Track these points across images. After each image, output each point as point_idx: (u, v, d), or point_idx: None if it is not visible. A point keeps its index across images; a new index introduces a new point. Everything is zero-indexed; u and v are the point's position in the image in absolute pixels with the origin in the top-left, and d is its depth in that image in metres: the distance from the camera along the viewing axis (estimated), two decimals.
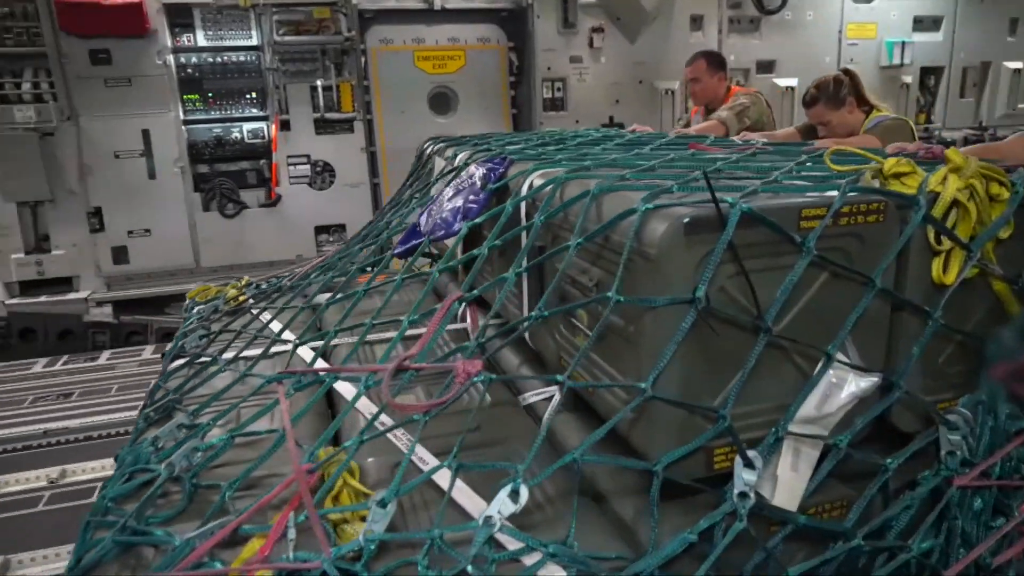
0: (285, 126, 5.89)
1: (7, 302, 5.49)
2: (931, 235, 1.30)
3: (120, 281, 5.78)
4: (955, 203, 1.30)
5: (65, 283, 5.69)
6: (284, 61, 5.78)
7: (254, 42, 5.78)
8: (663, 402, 1.15)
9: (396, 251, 2.06)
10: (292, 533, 1.14)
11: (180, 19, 5.60)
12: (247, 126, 5.87)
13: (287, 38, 5.69)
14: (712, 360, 1.19)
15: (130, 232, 5.69)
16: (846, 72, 3.40)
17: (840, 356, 1.23)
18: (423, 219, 2.07)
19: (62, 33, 5.23)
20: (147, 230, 5.72)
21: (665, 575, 1.10)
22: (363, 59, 5.95)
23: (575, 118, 6.20)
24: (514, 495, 1.13)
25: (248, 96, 5.83)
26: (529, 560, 1.09)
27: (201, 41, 5.67)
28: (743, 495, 1.13)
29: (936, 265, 1.31)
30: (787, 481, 1.21)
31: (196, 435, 1.50)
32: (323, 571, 1.06)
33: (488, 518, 1.11)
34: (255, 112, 5.87)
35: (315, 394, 1.57)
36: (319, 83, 5.85)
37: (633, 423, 1.22)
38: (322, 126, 5.96)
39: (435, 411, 1.28)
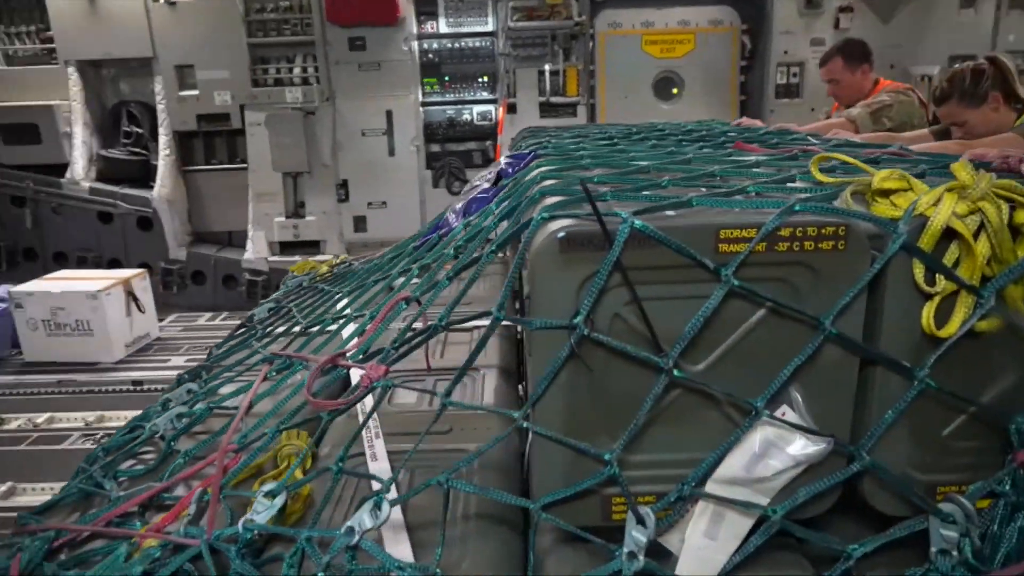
0: (512, 109, 6.12)
1: (269, 258, 6.32)
2: (919, 272, 0.98)
3: (358, 248, 6.41)
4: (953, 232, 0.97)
5: (314, 246, 6.42)
6: (516, 46, 5.99)
7: (489, 28, 6.04)
8: (544, 438, 1.02)
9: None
10: (192, 508, 1.15)
11: (426, 7, 6.00)
12: (477, 108, 6.18)
13: (520, 24, 5.87)
14: (608, 398, 1.02)
15: (369, 203, 6.27)
16: (991, 61, 2.72)
17: (786, 412, 1.00)
18: (456, 212, 1.95)
19: (328, 23, 5.83)
20: (384, 202, 6.27)
21: None
22: (591, 44, 6.00)
23: (810, 106, 5.80)
24: (376, 510, 1.05)
25: (480, 80, 6.13)
26: None
27: (443, 28, 6.04)
28: (631, 555, 0.98)
29: (927, 311, 0.99)
30: (698, 549, 1.02)
31: (198, 399, 1.60)
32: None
33: (349, 528, 1.04)
34: (485, 95, 6.17)
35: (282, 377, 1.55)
36: (547, 67, 6.00)
37: (529, 455, 1.09)
38: (547, 110, 6.12)
39: (339, 410, 1.21)
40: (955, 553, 0.98)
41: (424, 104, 6.17)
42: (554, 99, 6.07)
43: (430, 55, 6.08)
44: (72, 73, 6.01)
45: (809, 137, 2.14)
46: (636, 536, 0.98)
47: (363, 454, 1.32)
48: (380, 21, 5.81)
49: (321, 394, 1.26)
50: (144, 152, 6.28)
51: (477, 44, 6.08)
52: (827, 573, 1.00)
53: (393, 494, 1.08)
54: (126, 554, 1.13)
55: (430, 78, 6.12)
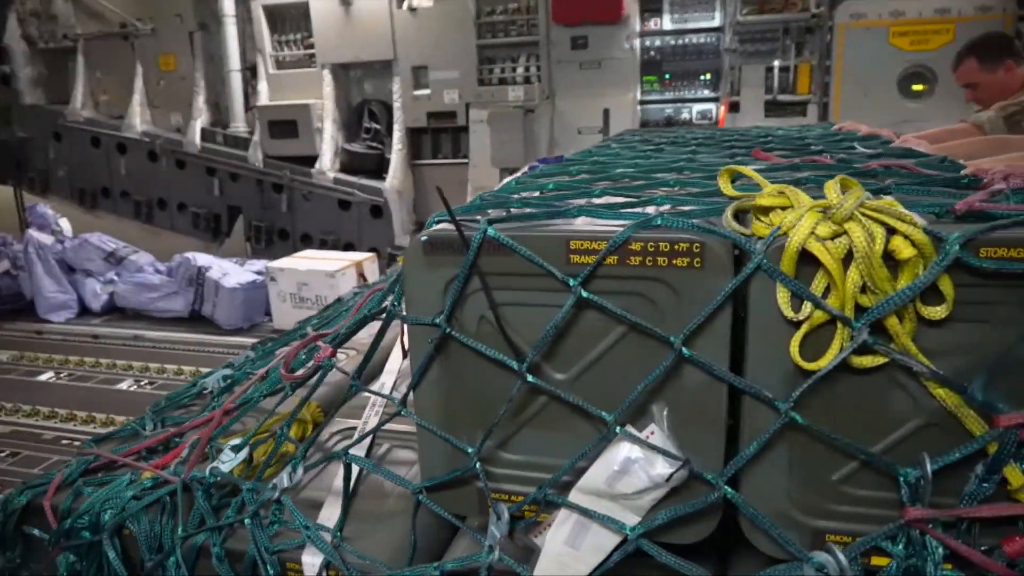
0: (734, 108, 5.86)
1: None
2: (783, 297, 0.87)
3: None
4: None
5: None
6: (743, 41, 5.72)
7: (716, 23, 5.83)
8: (422, 427, 1.09)
9: None
10: (185, 453, 1.38)
11: (651, 4, 5.93)
12: (696, 107, 6.00)
13: (750, 17, 5.60)
14: (477, 396, 1.04)
15: None
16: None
17: (653, 431, 0.94)
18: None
19: (553, 24, 5.98)
20: None
21: None
22: (828, 37, 5.56)
23: None
24: (292, 472, 1.20)
25: (702, 78, 5.94)
26: (296, 535, 1.15)
27: (667, 25, 5.93)
28: (490, 548, 1.00)
29: (794, 341, 0.87)
30: (558, 555, 1.00)
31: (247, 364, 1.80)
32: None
33: (274, 485, 1.19)
34: (706, 93, 5.97)
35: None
36: (776, 63, 5.66)
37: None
38: (772, 108, 5.78)
39: (299, 383, 1.35)
40: None
41: (642, 102, 6.11)
42: (782, 97, 5.71)
43: (651, 52, 6.00)
44: (326, 75, 6.74)
45: (857, 144, 1.84)
46: (493, 531, 1.01)
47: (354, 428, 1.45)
48: (604, 19, 5.84)
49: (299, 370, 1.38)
50: (380, 146, 6.88)
51: (701, 40, 5.89)
52: None
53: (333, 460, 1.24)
54: (127, 482, 1.35)
55: (650, 76, 6.04)
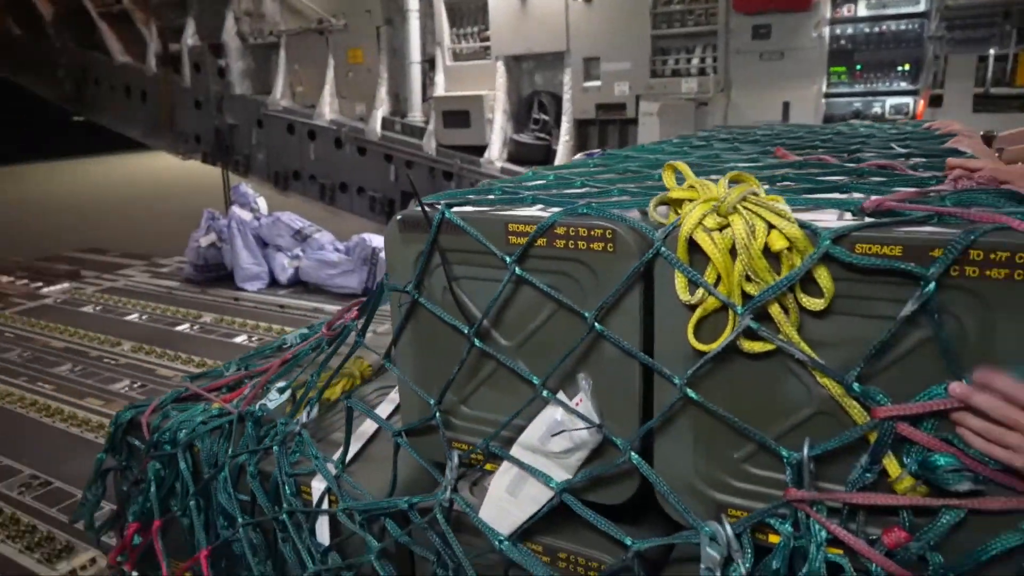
0: (935, 102, 5.30)
1: None
2: (680, 282, 0.96)
3: None
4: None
5: None
6: (952, 28, 5.15)
7: (920, 8, 5.29)
8: (400, 379, 1.31)
9: None
10: (247, 391, 1.71)
11: None
12: (890, 101, 5.49)
13: (962, 0, 5.02)
14: (442, 355, 1.22)
15: None
16: None
17: (581, 398, 1.08)
18: None
19: (733, 12, 5.72)
20: None
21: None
22: None
23: None
24: (309, 410, 1.54)
25: (899, 69, 5.42)
26: (310, 464, 1.42)
27: (861, 11, 5.47)
28: (444, 488, 1.20)
29: (690, 323, 0.96)
30: (499, 500, 1.16)
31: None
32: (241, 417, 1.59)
33: (296, 421, 1.51)
34: (902, 86, 5.44)
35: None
36: (992, 52, 5.04)
37: None
38: (982, 103, 5.16)
39: (333, 339, 1.64)
40: (718, 574, 0.94)
41: (828, 95, 5.68)
42: (996, 90, 5.08)
43: (842, 41, 5.56)
44: (500, 67, 6.91)
45: (895, 145, 1.81)
46: (448, 474, 1.21)
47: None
48: (792, 7, 5.50)
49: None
50: (547, 137, 6.96)
51: (901, 27, 5.37)
52: (610, 560, 1.07)
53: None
54: (201, 410, 1.68)
55: (838, 67, 5.61)
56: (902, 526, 0.89)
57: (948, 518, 0.86)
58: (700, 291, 0.95)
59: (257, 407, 1.59)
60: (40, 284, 8.01)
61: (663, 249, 0.96)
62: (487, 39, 6.99)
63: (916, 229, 0.87)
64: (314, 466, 1.40)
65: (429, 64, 7.64)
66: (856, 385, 0.88)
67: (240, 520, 1.51)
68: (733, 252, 0.92)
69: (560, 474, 1.10)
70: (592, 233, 1.03)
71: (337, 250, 6.72)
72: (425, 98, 7.68)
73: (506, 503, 1.15)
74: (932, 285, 0.82)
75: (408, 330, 1.27)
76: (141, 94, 10.97)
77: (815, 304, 0.90)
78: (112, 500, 1.88)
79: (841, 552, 0.91)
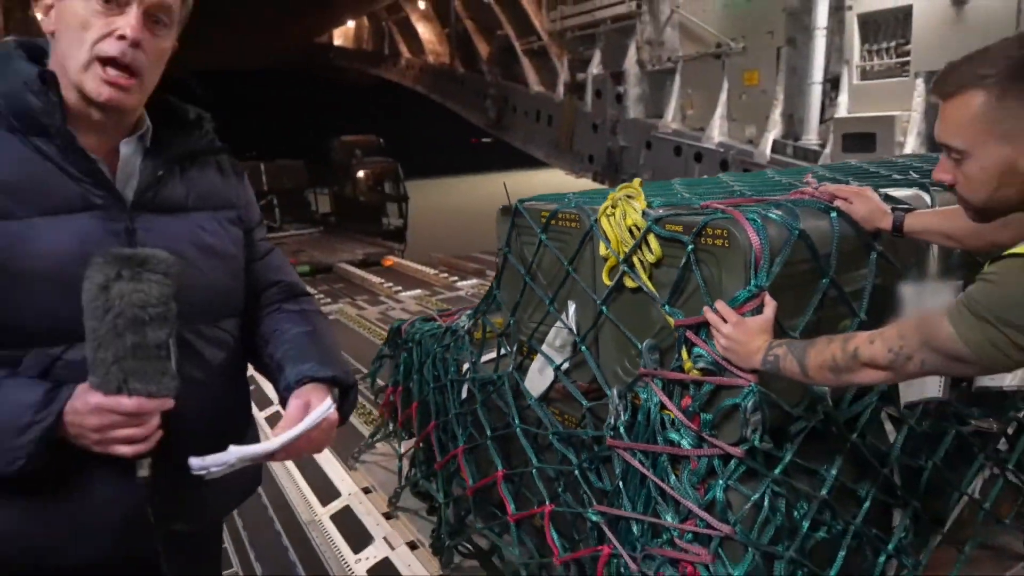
0: None
1: None
2: (602, 246, 1.79)
3: None
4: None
5: None
6: None
7: None
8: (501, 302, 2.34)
9: None
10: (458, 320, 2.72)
11: None
12: None
13: None
14: (517, 290, 2.20)
15: None
16: None
17: (568, 316, 1.99)
18: None
19: None
20: None
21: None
22: None
23: None
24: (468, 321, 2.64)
25: None
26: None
27: None
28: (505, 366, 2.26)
29: (605, 269, 1.80)
30: (534, 376, 2.09)
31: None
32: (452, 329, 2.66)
33: (455, 330, 2.63)
34: None
35: None
36: None
37: None
38: None
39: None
40: (612, 420, 1.71)
41: None
42: None
43: None
44: (919, 84, 6.15)
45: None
46: (511, 359, 2.23)
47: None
48: None
49: None
50: None
51: None
52: (577, 416, 1.97)
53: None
54: (435, 326, 2.78)
55: None
56: (690, 395, 1.58)
57: (706, 388, 1.54)
58: (604, 249, 1.79)
59: (454, 324, 2.64)
60: (456, 278, 9.57)
61: (593, 225, 1.83)
62: (905, 53, 6.28)
63: (694, 216, 1.59)
64: (467, 355, 2.46)
65: (831, 84, 7.16)
66: (666, 307, 1.63)
67: (431, 384, 2.59)
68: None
69: (558, 359, 2.03)
70: (569, 215, 1.96)
71: None
72: (823, 120, 7.22)
73: (537, 378, 2.09)
74: (690, 247, 1.55)
75: (505, 272, 2.25)
76: (548, 118, 12.39)
77: (651, 258, 1.66)
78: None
79: (671, 412, 1.60)
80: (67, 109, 1.06)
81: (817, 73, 7.04)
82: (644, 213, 1.67)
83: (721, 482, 1.50)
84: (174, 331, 1.01)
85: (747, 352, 1.42)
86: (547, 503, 1.95)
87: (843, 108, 6.81)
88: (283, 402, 1.21)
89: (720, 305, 1.47)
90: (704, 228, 1.53)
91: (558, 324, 2.00)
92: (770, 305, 1.45)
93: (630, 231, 1.69)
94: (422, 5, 18.83)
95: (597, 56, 10.70)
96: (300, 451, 1.15)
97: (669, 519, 1.56)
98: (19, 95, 1.03)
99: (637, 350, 1.69)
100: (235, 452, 1.05)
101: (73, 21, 1.03)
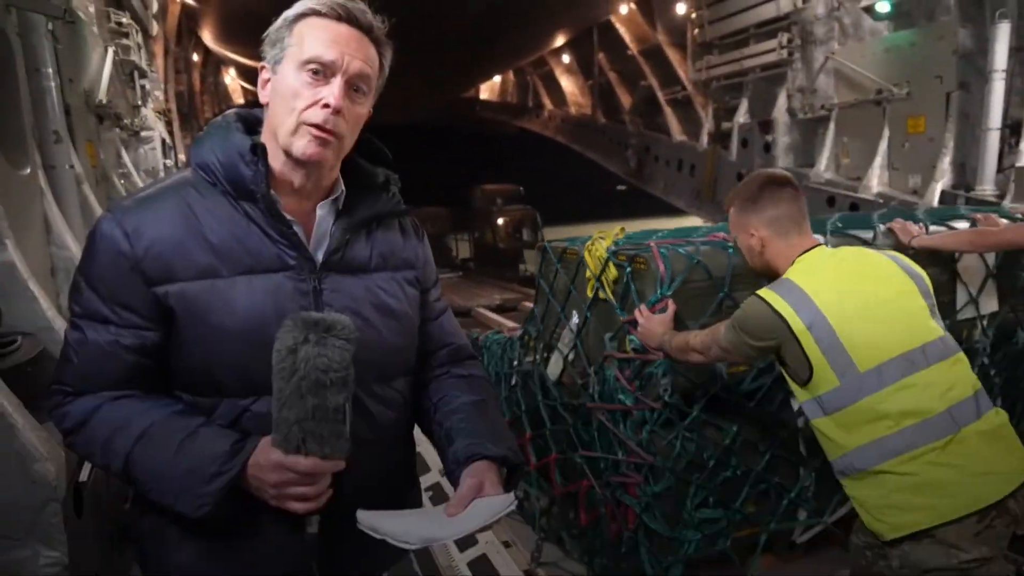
0: None
1: None
2: (587, 272, 2.55)
3: None
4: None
5: None
6: None
7: None
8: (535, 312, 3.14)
9: None
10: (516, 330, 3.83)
11: None
12: None
13: None
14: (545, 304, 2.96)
15: None
16: None
17: (571, 320, 2.72)
18: None
19: None
20: None
21: None
22: None
23: None
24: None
25: None
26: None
27: None
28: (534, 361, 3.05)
29: (588, 286, 2.54)
30: (552, 366, 2.85)
31: None
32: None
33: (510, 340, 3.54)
34: None
35: None
36: None
37: None
38: None
39: None
40: (590, 390, 2.56)
41: None
42: None
43: None
44: None
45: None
46: (537, 355, 3.04)
47: None
48: None
49: None
50: None
51: None
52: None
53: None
54: (500, 336, 3.71)
55: None
56: (629, 368, 2.36)
57: (636, 362, 2.34)
58: (589, 272, 2.52)
59: (515, 336, 3.37)
60: None
61: (583, 255, 2.54)
62: None
63: (634, 251, 2.36)
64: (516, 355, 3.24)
65: (1011, 130, 6.54)
66: (619, 309, 2.38)
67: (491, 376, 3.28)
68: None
69: (566, 352, 2.75)
70: (573, 250, 2.68)
71: None
72: (1001, 168, 6.58)
73: (553, 367, 2.84)
74: (628, 269, 2.34)
75: (539, 294, 2.96)
76: (690, 168, 12.21)
77: (612, 276, 2.41)
78: None
79: (620, 380, 2.38)
80: (273, 176, 1.15)
81: (995, 119, 6.46)
82: (608, 248, 2.42)
83: (648, 427, 2.30)
84: (351, 396, 1.04)
85: (653, 337, 2.15)
86: (553, 454, 2.79)
87: None
88: (450, 474, 1.22)
89: (642, 307, 2.24)
90: (635, 257, 2.33)
91: (567, 327, 2.73)
92: (671, 307, 2.21)
93: (599, 260, 2.44)
94: (566, 59, 19.36)
95: (744, 105, 10.47)
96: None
97: (620, 455, 2.37)
98: (234, 165, 1.13)
99: (609, 338, 2.46)
100: (416, 532, 1.07)
101: (286, 92, 1.12)
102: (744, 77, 10.48)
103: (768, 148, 9.62)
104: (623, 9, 14.33)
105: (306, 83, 1.11)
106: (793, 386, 1.76)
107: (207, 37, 16.15)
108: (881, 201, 7.62)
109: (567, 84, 19.91)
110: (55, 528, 1.68)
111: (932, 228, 2.57)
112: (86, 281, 1.11)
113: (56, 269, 2.98)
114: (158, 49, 9.77)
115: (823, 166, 8.63)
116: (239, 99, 22.82)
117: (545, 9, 14.94)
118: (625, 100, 15.81)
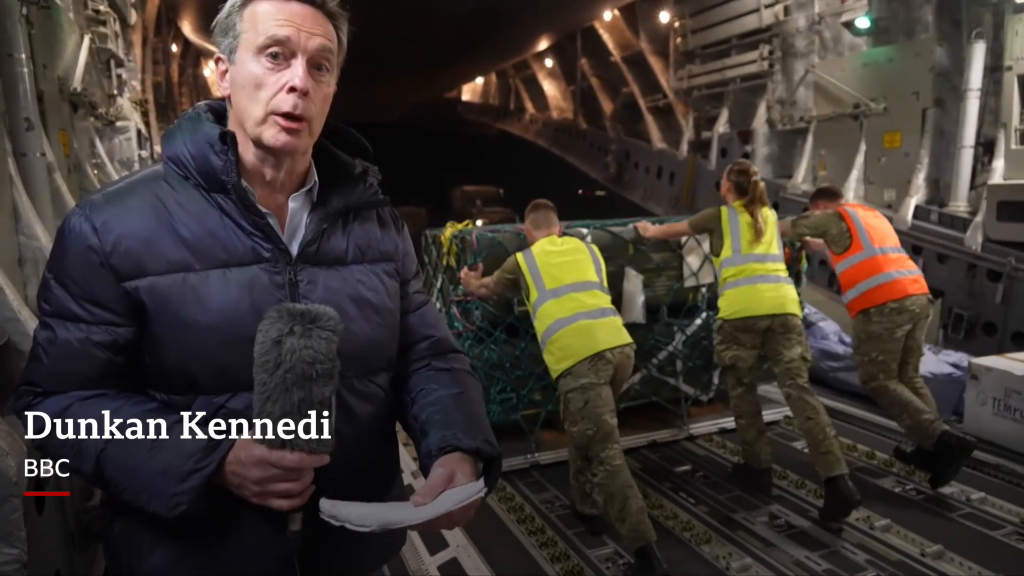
0: None
1: None
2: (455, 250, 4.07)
3: None
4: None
5: None
6: None
7: None
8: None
9: None
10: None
11: None
12: None
13: None
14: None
15: None
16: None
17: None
18: None
19: None
20: None
21: None
22: None
23: None
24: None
25: None
26: None
27: None
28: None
29: (449, 257, 4.09)
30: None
31: None
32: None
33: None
34: None
35: None
36: None
37: None
38: None
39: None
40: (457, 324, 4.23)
41: None
42: None
43: None
44: None
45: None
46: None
47: None
48: None
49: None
50: None
51: None
52: None
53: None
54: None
55: None
56: (460, 308, 4.21)
57: (464, 302, 4.14)
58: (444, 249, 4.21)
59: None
60: None
61: (449, 239, 4.14)
62: None
63: (463, 235, 4.11)
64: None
65: (984, 148, 6.68)
66: (456, 270, 4.04)
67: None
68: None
69: (435, 299, 4.51)
70: (439, 236, 4.26)
71: (843, 342, 6.28)
72: (974, 186, 6.72)
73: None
74: (459, 246, 4.08)
75: (422, 264, 4.10)
76: (670, 175, 12.28)
77: (455, 250, 4.09)
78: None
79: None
80: (243, 166, 1.13)
81: (969, 136, 6.60)
82: (453, 234, 4.06)
83: (468, 342, 3.99)
84: (335, 388, 1.01)
85: (469, 286, 3.62)
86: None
87: (998, 174, 6.32)
88: (423, 467, 1.17)
89: (465, 268, 3.77)
90: (464, 239, 3.95)
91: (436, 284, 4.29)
92: (479, 268, 3.75)
93: (447, 241, 4.06)
94: (549, 64, 19.40)
95: (724, 114, 10.57)
96: (437, 526, 1.10)
97: None
98: (205, 156, 1.11)
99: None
100: (375, 516, 1.03)
101: (247, 83, 1.09)
102: (725, 87, 10.58)
103: (747, 158, 9.70)
104: (607, 16, 14.39)
105: (267, 69, 1.08)
106: (526, 302, 3.41)
107: (187, 28, 15.90)
108: None
109: (549, 88, 19.95)
110: (14, 525, 1.63)
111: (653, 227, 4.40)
112: (55, 278, 1.08)
113: (24, 259, 2.90)
114: (136, 38, 9.60)
115: (800, 177, 8.74)
116: (218, 92, 22.51)
117: (532, 11, 14.96)
118: (607, 106, 15.87)
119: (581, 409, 3.08)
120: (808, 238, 4.32)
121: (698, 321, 4.65)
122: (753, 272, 3.76)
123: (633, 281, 4.29)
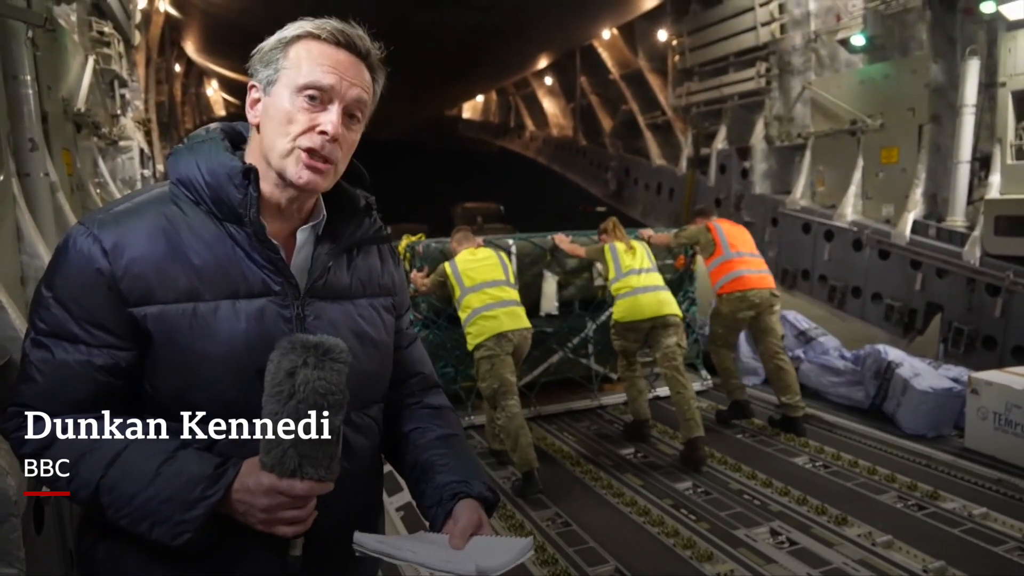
0: None
1: None
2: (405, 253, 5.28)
3: None
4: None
5: None
6: None
7: None
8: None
9: None
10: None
11: None
12: None
13: None
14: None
15: None
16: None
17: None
18: None
19: None
20: None
21: None
22: None
23: None
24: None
25: None
26: None
27: None
28: None
29: (406, 260, 5.22)
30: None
31: None
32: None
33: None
34: None
35: None
36: None
37: None
38: None
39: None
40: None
41: None
42: None
43: None
44: None
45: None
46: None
47: None
48: None
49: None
50: None
51: None
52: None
53: None
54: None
55: None
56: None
57: (416, 298, 5.15)
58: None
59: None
60: None
61: (404, 249, 5.31)
62: None
63: (414, 243, 5.42)
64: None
65: (980, 163, 6.72)
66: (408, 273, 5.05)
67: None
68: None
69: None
70: (400, 246, 5.33)
71: (843, 357, 6.27)
72: (971, 200, 6.75)
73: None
74: (410, 254, 5.34)
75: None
76: (669, 192, 12.34)
77: (408, 257, 5.30)
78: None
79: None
80: (260, 197, 1.12)
81: (965, 152, 6.63)
82: (408, 245, 5.25)
83: (419, 327, 5.23)
84: (343, 418, 1.03)
85: (417, 285, 4.72)
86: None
87: (995, 189, 6.35)
88: (427, 509, 1.22)
89: (414, 272, 4.90)
90: (414, 248, 5.26)
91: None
92: (425, 270, 4.87)
93: (404, 250, 5.16)
94: (549, 81, 19.53)
95: (723, 131, 10.63)
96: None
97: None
98: (223, 186, 1.10)
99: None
100: (409, 554, 1.07)
101: (280, 116, 1.10)
102: (723, 104, 10.64)
103: (745, 174, 9.77)
104: (606, 34, 14.52)
105: (302, 108, 1.09)
106: (452, 297, 4.54)
107: (190, 48, 16.07)
108: (855, 229, 7.77)
109: (549, 106, 20.08)
110: (13, 544, 1.62)
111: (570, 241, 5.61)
112: (54, 297, 1.05)
113: (26, 278, 2.92)
114: (140, 59, 9.69)
115: (799, 193, 8.77)
116: (221, 111, 22.67)
117: (532, 30, 15.09)
118: (606, 123, 15.97)
119: (489, 371, 4.30)
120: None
121: (604, 317, 5.83)
122: (635, 284, 4.92)
123: (549, 281, 5.67)
